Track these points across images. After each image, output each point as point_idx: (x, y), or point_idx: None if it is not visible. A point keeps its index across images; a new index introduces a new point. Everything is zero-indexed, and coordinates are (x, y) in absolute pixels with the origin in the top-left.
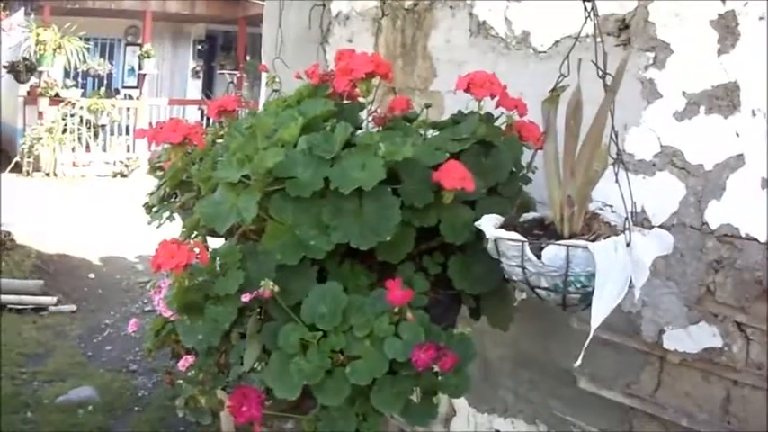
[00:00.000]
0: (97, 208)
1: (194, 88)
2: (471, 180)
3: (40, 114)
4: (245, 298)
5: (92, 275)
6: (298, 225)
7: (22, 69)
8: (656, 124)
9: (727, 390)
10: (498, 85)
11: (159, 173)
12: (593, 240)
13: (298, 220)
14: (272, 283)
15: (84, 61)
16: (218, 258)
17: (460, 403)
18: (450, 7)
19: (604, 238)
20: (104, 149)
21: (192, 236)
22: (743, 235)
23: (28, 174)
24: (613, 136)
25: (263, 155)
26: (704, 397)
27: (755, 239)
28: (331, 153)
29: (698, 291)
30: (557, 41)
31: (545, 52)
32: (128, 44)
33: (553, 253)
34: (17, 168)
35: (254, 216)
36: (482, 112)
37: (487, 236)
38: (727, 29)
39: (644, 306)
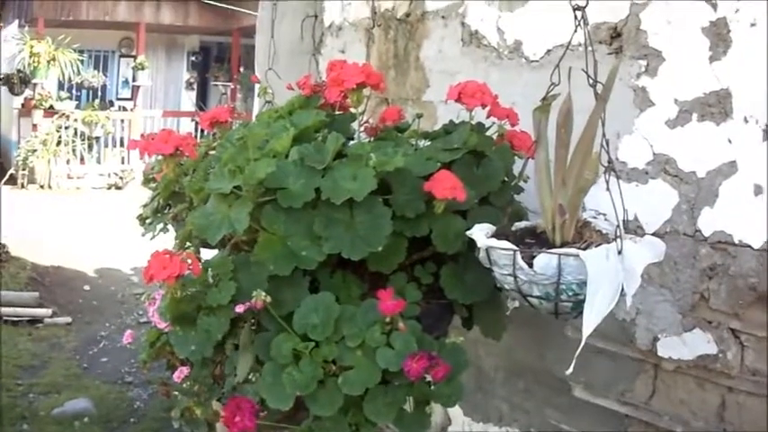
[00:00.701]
0: (92, 220)
1: (188, 100)
2: (462, 190)
3: (35, 126)
4: (239, 309)
5: (87, 287)
6: (289, 236)
7: (17, 81)
8: (648, 132)
9: (723, 396)
10: (489, 94)
11: (153, 184)
12: (584, 248)
13: (289, 230)
14: (264, 293)
15: (78, 73)
16: (210, 269)
17: (455, 413)
18: (443, 17)
19: (596, 246)
20: (99, 161)
21: (185, 247)
22: (736, 242)
23: (23, 186)
24: (604, 144)
25: (254, 165)
26: (699, 404)
27: (749, 246)
28: (322, 164)
29: (692, 298)
30: (549, 50)
31: (537, 61)
32: (122, 56)
33: (545, 261)
34: (12, 181)
35: (245, 227)
36: (474, 122)
37: (479, 245)
38: (718, 36)
39: (638, 314)
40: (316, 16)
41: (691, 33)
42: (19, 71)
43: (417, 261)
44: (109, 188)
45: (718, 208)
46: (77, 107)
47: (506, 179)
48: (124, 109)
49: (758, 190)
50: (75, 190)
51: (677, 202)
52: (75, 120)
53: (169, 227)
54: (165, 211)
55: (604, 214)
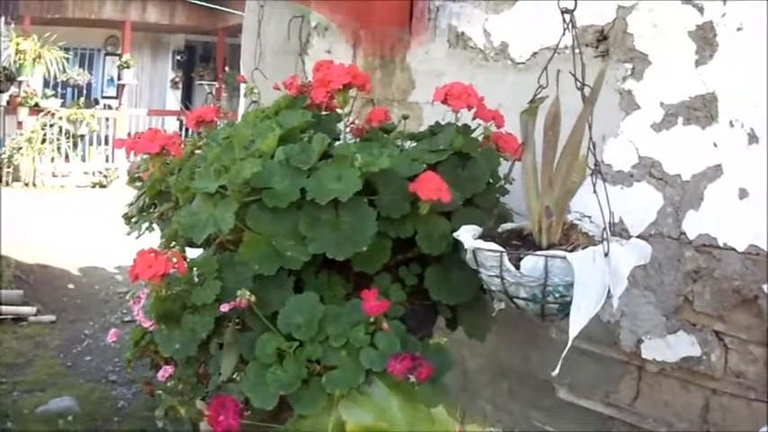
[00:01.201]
0: (77, 218)
1: (173, 99)
2: (447, 191)
3: (20, 124)
4: (224, 308)
5: (71, 286)
6: (275, 235)
7: (2, 79)
8: (634, 135)
9: (706, 398)
10: (475, 96)
11: (138, 183)
12: (571, 250)
13: (275, 230)
14: (248, 292)
15: (64, 71)
16: (195, 268)
17: None
18: (430, 19)
19: (582, 249)
20: (84, 160)
21: (171, 246)
22: (721, 245)
23: (7, 184)
24: (591, 147)
25: (240, 165)
26: (683, 406)
27: (733, 249)
28: (308, 164)
29: (676, 300)
30: (535, 53)
31: (523, 63)
32: (107, 54)
33: (532, 263)
34: None
35: (231, 226)
36: (459, 124)
37: (466, 246)
38: (705, 40)
39: (622, 316)
40: (302, 17)
41: (677, 37)
42: (4, 68)
43: (402, 262)
44: (93, 186)
45: (703, 211)
46: (63, 105)
47: (491, 181)
48: (109, 107)
49: (743, 193)
50: (60, 188)
51: (662, 204)
52: (61, 118)
53: (155, 226)
54: (151, 210)
55: (590, 216)
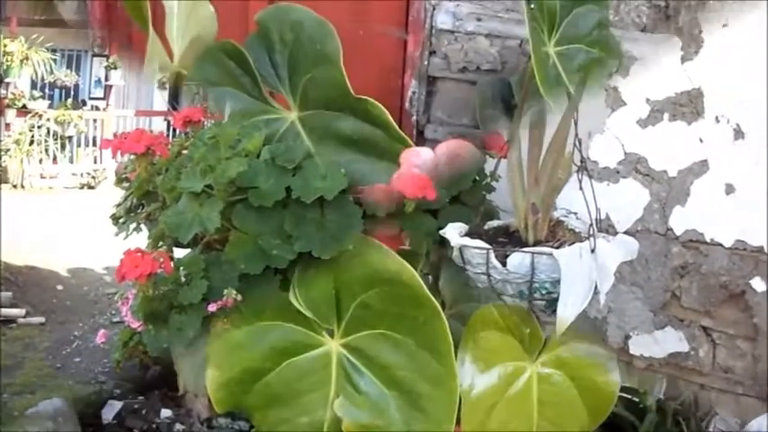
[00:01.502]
0: (65, 219)
1: (161, 99)
2: (433, 189)
3: (8, 126)
4: (211, 307)
5: (60, 287)
6: (260, 234)
7: None
8: (620, 131)
9: (694, 394)
10: None
11: (126, 184)
12: (557, 247)
13: (260, 229)
14: (234, 291)
15: (51, 72)
16: (182, 268)
17: None
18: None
19: (569, 245)
20: (72, 161)
21: (158, 246)
22: (707, 240)
23: None
24: (577, 143)
25: (226, 165)
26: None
27: (720, 244)
28: (293, 163)
29: (663, 296)
30: None
31: None
32: (94, 55)
33: (518, 260)
34: None
35: (216, 226)
36: None
37: (453, 244)
38: (690, 36)
39: (610, 312)
40: None
41: (663, 33)
42: None
43: None
44: (81, 188)
45: (689, 207)
46: (50, 106)
47: (478, 178)
48: (97, 108)
49: (729, 189)
50: (48, 189)
51: (648, 200)
52: (48, 119)
53: (142, 226)
54: (139, 211)
55: (575, 213)
